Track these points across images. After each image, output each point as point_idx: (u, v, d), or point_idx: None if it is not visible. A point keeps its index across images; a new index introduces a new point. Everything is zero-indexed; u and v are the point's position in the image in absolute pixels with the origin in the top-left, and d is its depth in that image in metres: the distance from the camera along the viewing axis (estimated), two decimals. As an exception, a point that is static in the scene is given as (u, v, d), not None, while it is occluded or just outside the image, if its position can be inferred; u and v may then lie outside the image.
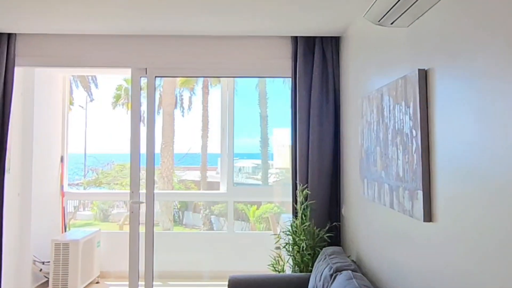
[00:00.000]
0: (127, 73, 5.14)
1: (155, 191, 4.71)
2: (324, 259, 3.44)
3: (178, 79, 14.97)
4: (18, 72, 5.12)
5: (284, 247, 4.24)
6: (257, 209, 18.22)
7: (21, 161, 5.60)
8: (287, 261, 4.34)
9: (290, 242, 4.16)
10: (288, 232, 4.18)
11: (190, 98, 23.62)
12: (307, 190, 4.20)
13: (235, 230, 20.24)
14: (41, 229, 5.90)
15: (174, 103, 13.56)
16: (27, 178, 5.63)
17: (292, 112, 4.48)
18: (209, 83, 23.27)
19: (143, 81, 4.77)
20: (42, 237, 5.90)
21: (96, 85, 19.19)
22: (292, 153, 4.44)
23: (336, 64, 4.40)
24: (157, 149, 15.56)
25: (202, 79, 23.30)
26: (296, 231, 4.10)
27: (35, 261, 5.76)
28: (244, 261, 6.50)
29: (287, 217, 6.18)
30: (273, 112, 23.16)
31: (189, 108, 23.35)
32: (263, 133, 19.74)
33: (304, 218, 4.14)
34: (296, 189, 4.37)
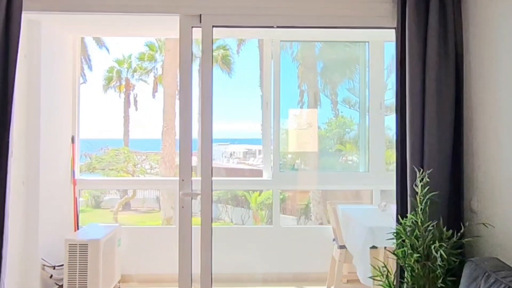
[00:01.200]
0: (157, 32, 3.86)
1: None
2: (494, 281, 2.30)
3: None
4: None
5: (395, 252, 3.10)
6: (259, 195, 17.17)
7: (26, 141, 4.37)
8: (392, 273, 3.20)
9: (405, 247, 3.01)
10: (401, 232, 3.03)
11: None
12: (427, 177, 3.04)
13: (235, 218, 19.07)
14: (50, 225, 4.69)
15: (175, 84, 12.26)
16: (34, 163, 4.40)
17: (397, 74, 3.30)
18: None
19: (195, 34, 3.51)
20: (52, 235, 4.69)
21: (90, 67, 17.70)
22: (399, 129, 3.27)
23: (457, 11, 3.22)
24: (158, 134, 14.30)
25: (198, 60, 21.86)
26: (415, 233, 2.96)
27: (44, 265, 4.55)
28: (298, 260, 5.35)
29: (348, 208, 5.04)
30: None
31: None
32: (265, 116, 18.35)
33: (421, 214, 2.99)
34: (405, 175, 3.21)
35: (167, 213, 11.97)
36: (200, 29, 3.42)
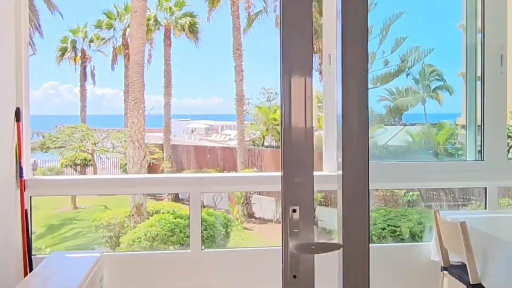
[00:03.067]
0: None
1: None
2: None
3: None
4: None
5: None
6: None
7: None
8: None
9: None
10: None
11: (149, 51, 19.97)
12: None
13: (206, 200, 17.21)
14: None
15: (142, 50, 10.13)
16: None
17: None
18: (171, 34, 19.68)
19: None
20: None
21: (41, 34, 15.11)
22: None
23: None
24: (120, 109, 12.10)
25: (162, 29, 19.73)
26: None
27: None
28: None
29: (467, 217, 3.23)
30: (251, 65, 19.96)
31: (149, 62, 19.74)
32: (238, 90, 16.59)
33: None
34: None
35: (137, 198, 9.95)
36: None
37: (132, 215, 10.08)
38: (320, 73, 4.48)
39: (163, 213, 11.14)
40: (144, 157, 10.40)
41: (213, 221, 9.42)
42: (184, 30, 18.80)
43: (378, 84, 12.52)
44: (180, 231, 8.91)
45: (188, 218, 9.48)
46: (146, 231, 8.85)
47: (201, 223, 9.55)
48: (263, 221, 14.89)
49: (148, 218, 9.91)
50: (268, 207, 15.25)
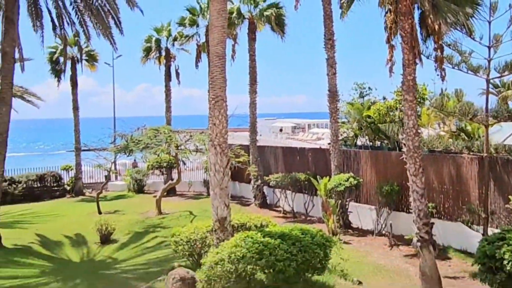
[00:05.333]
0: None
1: None
2: None
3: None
4: None
5: None
6: (329, 180, 13.50)
7: None
8: None
9: None
10: None
11: (233, 47, 18.66)
12: None
13: (296, 206, 15.47)
14: None
15: (224, 41, 8.62)
16: None
17: None
18: (255, 27, 18.25)
19: None
20: None
21: (121, 31, 14.20)
22: None
23: None
24: (203, 107, 10.73)
25: (246, 22, 18.25)
26: None
27: None
28: None
29: None
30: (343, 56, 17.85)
31: (233, 59, 18.41)
32: (331, 84, 14.48)
33: None
34: None
35: (220, 210, 8.51)
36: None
37: (215, 230, 8.67)
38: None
39: (249, 227, 9.67)
40: (228, 163, 8.92)
41: (308, 241, 7.75)
42: (269, 22, 17.28)
43: (506, 73, 10.10)
44: (270, 253, 7.35)
45: (279, 237, 7.92)
46: (230, 252, 7.41)
47: (295, 243, 8.00)
48: (362, 232, 12.96)
49: (232, 235, 8.46)
50: (366, 215, 13.32)
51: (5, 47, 12.45)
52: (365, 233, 13.00)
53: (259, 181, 17.15)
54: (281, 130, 51.08)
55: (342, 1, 12.44)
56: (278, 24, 17.46)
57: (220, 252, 7.60)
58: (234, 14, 17.25)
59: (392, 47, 9.87)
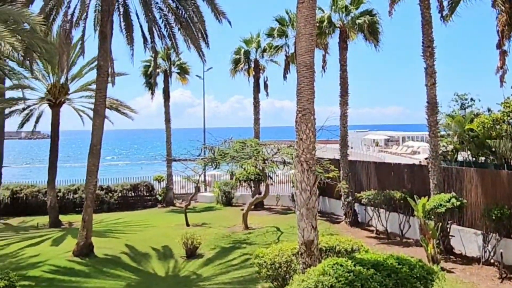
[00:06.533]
0: None
1: None
2: None
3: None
4: None
5: None
6: (427, 200, 12.29)
7: None
8: None
9: None
10: None
11: (324, 57, 17.97)
12: None
13: (390, 226, 14.25)
14: None
15: (312, 50, 7.99)
16: None
17: None
18: (347, 36, 17.41)
19: None
20: None
21: (207, 44, 14.10)
22: None
23: None
24: (293, 119, 10.07)
25: (337, 32, 17.45)
26: None
27: None
28: None
29: None
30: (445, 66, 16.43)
31: (323, 70, 17.72)
32: (430, 95, 13.23)
33: None
34: None
35: (307, 232, 7.85)
36: None
37: (301, 254, 8.02)
38: None
39: (338, 251, 8.87)
40: (315, 181, 8.23)
41: (406, 273, 6.83)
42: (362, 31, 16.37)
43: None
44: (362, 285, 6.54)
45: (373, 266, 7.06)
46: (317, 281, 6.71)
47: (390, 275, 7.11)
48: (466, 260, 11.58)
49: (320, 260, 7.76)
50: (471, 241, 11.92)
51: (100, 61, 12.94)
52: (470, 260, 11.60)
53: (350, 198, 16.21)
54: (376, 143, 48.95)
55: (448, 1, 11.25)
56: (372, 32, 16.48)
57: (306, 279, 6.92)
58: (325, 23, 16.54)
59: (504, 53, 8.67)
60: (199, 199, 23.40)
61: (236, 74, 22.07)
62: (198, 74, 29.72)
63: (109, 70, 13.26)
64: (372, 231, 15.15)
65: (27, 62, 13.63)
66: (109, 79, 13.26)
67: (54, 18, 13.94)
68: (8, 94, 19.34)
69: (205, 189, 25.13)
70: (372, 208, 14.99)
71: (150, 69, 22.69)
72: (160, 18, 13.99)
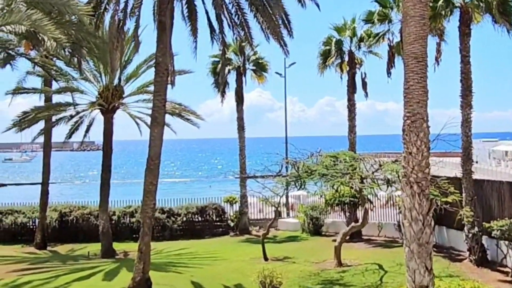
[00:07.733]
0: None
1: None
2: None
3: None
4: None
5: None
6: None
7: None
8: None
9: None
10: None
11: (438, 45, 17.33)
12: None
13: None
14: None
15: (423, 37, 7.68)
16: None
17: None
18: (470, 18, 16.68)
19: None
20: None
21: (290, 32, 14.07)
22: None
23: None
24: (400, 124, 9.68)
25: (457, 12, 16.78)
26: None
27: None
28: None
29: None
30: None
31: (437, 62, 17.08)
32: None
33: None
34: None
35: (417, 277, 7.47)
36: None
37: (412, 305, 7.64)
38: None
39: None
40: (430, 209, 7.82)
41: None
42: (490, 10, 15.57)
43: None
44: None
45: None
46: None
47: None
48: None
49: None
50: None
51: (158, 57, 13.14)
52: None
53: (476, 229, 15.44)
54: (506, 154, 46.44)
55: None
56: (503, 12, 15.63)
57: None
58: (440, 2, 15.94)
59: None
60: (280, 226, 23.39)
61: (325, 70, 21.96)
62: (278, 71, 29.66)
63: (169, 68, 13.48)
64: (507, 273, 14.38)
65: (75, 60, 14.19)
66: (169, 78, 13.47)
67: (105, 8, 14.27)
68: (55, 98, 20.47)
69: (288, 214, 25.10)
70: (507, 242, 14.32)
71: (220, 65, 23.05)
72: (230, 2, 14.04)
